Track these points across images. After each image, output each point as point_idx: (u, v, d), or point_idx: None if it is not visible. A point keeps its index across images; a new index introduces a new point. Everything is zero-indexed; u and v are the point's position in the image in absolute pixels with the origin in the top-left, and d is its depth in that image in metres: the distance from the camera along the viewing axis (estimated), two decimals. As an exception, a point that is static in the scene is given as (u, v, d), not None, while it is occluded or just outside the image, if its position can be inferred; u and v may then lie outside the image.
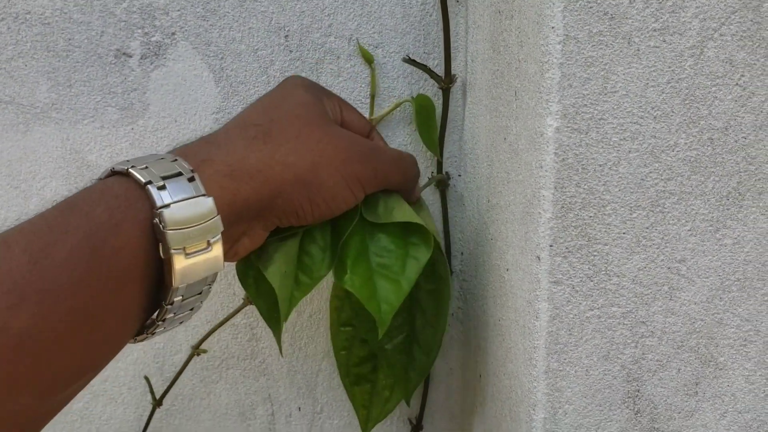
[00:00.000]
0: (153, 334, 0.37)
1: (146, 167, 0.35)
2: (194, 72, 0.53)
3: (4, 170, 0.54)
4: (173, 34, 0.53)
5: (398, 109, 0.55)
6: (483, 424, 0.54)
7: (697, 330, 0.43)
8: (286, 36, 0.53)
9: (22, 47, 0.52)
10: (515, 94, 0.43)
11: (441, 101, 0.54)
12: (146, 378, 0.58)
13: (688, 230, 0.41)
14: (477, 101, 0.51)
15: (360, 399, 0.55)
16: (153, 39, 0.53)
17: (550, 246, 0.40)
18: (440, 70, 0.53)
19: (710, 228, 0.41)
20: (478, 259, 0.53)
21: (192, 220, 0.34)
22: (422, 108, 0.52)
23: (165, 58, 0.53)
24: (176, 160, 0.36)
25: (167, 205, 0.33)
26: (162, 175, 0.34)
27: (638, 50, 0.38)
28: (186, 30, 0.52)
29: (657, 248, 0.41)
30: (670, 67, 0.39)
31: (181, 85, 0.54)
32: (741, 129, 0.40)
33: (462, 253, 0.57)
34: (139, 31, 0.52)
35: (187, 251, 0.34)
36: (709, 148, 0.40)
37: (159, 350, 0.58)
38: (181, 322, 0.38)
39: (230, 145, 0.38)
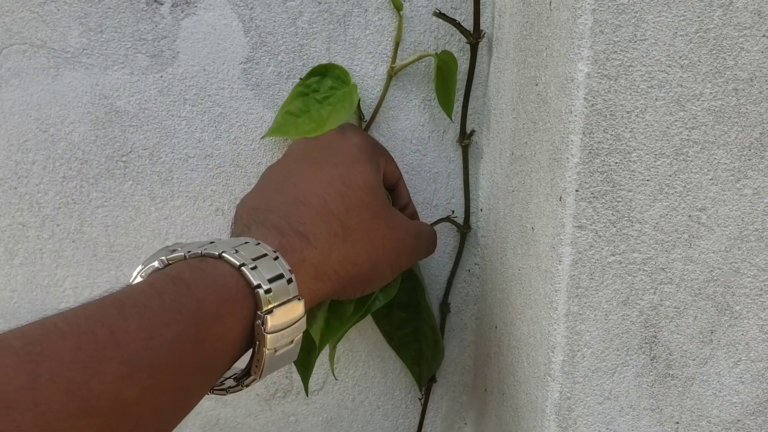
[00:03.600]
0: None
1: (255, 267, 0.39)
2: (224, 21, 0.54)
3: (33, 114, 0.55)
4: (204, -17, 0.53)
5: (422, 63, 0.55)
6: (497, 374, 0.55)
7: (715, 278, 0.44)
8: (316, -12, 0.54)
9: (55, -9, 0.53)
10: (546, 44, 0.44)
11: (468, 57, 0.54)
12: None
13: (710, 179, 0.42)
14: (503, 56, 0.52)
15: (409, 359, 0.58)
16: (184, -13, 0.53)
17: (576, 191, 0.41)
18: (467, 26, 0.54)
19: (731, 177, 0.42)
20: (498, 213, 0.54)
21: (287, 323, 0.39)
22: (444, 65, 0.53)
23: (196, 6, 0.54)
24: (278, 258, 0.40)
25: (270, 311, 0.38)
26: (268, 277, 0.39)
27: (669, -1, 0.39)
28: (217, -21, 0.53)
29: (679, 196, 0.42)
30: (699, 17, 0.40)
31: (211, 34, 0.54)
32: (766, 80, 0.41)
33: (481, 210, 0.58)
34: (171, -22, 0.53)
35: (277, 350, 0.39)
36: (733, 98, 0.41)
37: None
38: None
39: (317, 242, 0.43)
